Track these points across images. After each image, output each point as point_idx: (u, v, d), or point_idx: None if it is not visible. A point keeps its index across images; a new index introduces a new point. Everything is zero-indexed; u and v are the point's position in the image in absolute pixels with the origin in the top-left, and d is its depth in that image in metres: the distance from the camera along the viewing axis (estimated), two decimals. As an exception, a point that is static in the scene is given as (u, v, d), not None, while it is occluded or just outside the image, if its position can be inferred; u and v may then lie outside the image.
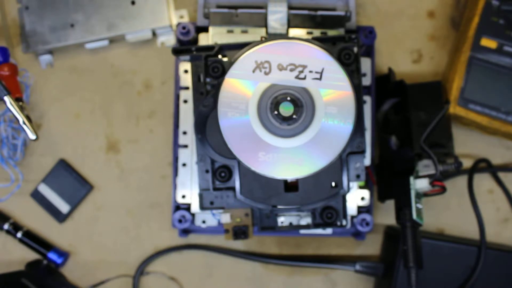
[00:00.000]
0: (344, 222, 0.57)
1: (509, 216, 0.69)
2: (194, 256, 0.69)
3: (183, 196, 0.63)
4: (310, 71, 0.51)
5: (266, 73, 0.51)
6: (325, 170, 0.52)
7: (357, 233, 0.66)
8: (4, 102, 0.59)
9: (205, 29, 0.62)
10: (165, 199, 0.68)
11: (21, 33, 0.68)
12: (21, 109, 0.59)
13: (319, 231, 0.65)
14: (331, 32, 0.61)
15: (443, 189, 0.60)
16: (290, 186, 0.55)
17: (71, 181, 0.69)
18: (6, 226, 0.67)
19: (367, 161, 0.63)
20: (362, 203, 0.64)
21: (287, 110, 0.51)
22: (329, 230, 0.65)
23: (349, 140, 0.52)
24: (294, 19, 0.61)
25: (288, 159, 0.52)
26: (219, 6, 0.61)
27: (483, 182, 0.69)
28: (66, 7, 0.68)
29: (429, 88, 0.65)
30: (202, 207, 0.57)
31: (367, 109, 0.64)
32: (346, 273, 0.68)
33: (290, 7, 0.61)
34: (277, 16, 0.60)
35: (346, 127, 0.52)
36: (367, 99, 0.64)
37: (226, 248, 0.68)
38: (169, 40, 0.70)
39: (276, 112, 0.51)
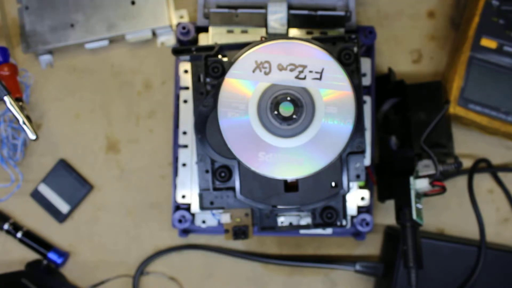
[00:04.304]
0: (344, 222, 0.57)
1: (509, 216, 0.69)
2: (194, 256, 0.69)
3: (183, 196, 0.63)
4: (310, 71, 0.51)
5: (266, 73, 0.51)
6: (325, 170, 0.52)
7: (357, 233, 0.66)
8: (4, 102, 0.59)
9: (205, 29, 0.62)
10: (165, 199, 0.68)
11: (21, 33, 0.68)
12: (21, 109, 0.59)
13: (319, 231, 0.65)
14: (331, 32, 0.61)
15: (443, 189, 0.60)
16: (290, 186, 0.55)
17: (71, 181, 0.69)
18: (6, 226, 0.67)
19: (367, 161, 0.63)
20: (362, 203, 0.64)
21: (287, 110, 0.51)
22: (329, 230, 0.65)
23: (349, 140, 0.52)
24: (294, 19, 0.61)
25: (288, 159, 0.52)
26: (219, 6, 0.61)
27: (483, 182, 0.69)
28: (66, 7, 0.67)
29: (429, 88, 0.65)
30: (202, 207, 0.57)
31: (367, 109, 0.64)
32: (346, 273, 0.68)
33: (290, 7, 0.61)
34: (277, 16, 0.60)
35: (346, 127, 0.51)
36: (367, 99, 0.64)
37: (226, 248, 0.68)
38: (169, 40, 0.70)
39: (276, 112, 0.51)
